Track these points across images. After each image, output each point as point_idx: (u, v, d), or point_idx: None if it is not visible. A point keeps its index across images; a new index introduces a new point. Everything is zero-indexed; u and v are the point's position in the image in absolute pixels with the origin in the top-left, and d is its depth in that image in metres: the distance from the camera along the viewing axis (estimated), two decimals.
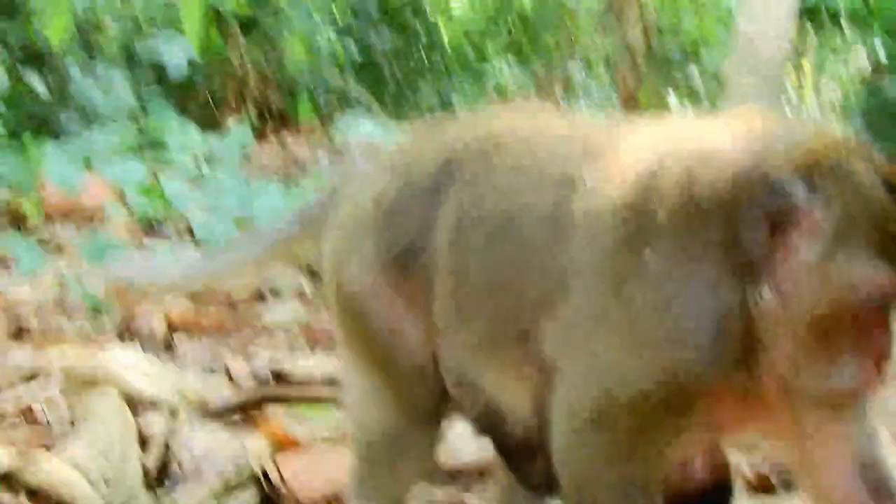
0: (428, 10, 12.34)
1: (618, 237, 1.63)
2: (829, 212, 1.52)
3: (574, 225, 1.70)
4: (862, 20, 9.71)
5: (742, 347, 1.56)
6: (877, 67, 10.05)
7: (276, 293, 4.30)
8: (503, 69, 13.56)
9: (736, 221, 1.55)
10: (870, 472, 1.69)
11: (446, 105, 12.11)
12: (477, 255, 1.86)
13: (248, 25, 9.49)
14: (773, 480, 3.17)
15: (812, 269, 1.52)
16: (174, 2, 8.09)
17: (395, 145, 2.34)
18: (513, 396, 1.90)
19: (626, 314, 1.61)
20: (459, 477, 2.65)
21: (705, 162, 1.60)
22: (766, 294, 1.54)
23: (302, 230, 2.36)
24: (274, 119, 9.20)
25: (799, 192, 1.52)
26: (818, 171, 1.53)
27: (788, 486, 3.15)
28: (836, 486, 1.69)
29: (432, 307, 1.94)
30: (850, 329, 1.55)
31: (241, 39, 9.16)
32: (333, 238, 2.12)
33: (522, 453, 1.99)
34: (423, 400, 2.02)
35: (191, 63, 8.39)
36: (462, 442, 2.57)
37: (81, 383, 2.89)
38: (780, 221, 1.54)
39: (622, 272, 1.62)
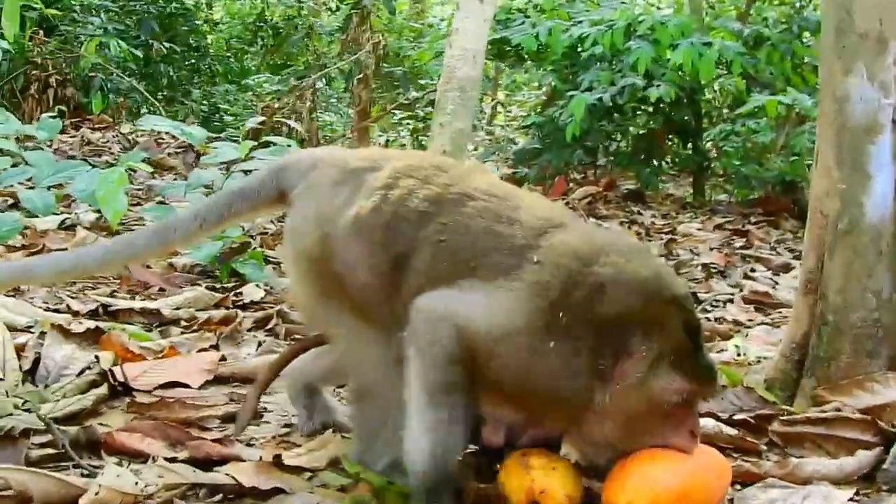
0: (196, 20, 13.08)
1: (547, 298, 2.01)
2: (650, 350, 1.97)
3: (521, 278, 2.05)
4: (538, 58, 10.33)
5: (577, 402, 2.01)
6: (550, 95, 11.03)
7: None
8: (261, 80, 14.22)
9: (601, 343, 1.98)
10: None
11: (213, 108, 12.81)
12: (449, 265, 2.15)
13: (49, 30, 10.20)
14: None
15: (633, 386, 1.98)
16: None
17: (383, 176, 2.30)
18: None
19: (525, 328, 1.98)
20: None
21: (601, 298, 1.99)
22: (606, 396, 1.99)
23: (249, 207, 2.55)
24: (71, 111, 9.70)
25: (636, 339, 1.98)
26: (652, 326, 1.97)
27: None
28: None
29: (401, 284, 2.21)
30: (664, 417, 2.02)
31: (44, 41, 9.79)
32: (316, 231, 2.29)
33: None
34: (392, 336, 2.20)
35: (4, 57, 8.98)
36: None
37: None
38: (621, 353, 1.99)
39: (542, 319, 1.99)
